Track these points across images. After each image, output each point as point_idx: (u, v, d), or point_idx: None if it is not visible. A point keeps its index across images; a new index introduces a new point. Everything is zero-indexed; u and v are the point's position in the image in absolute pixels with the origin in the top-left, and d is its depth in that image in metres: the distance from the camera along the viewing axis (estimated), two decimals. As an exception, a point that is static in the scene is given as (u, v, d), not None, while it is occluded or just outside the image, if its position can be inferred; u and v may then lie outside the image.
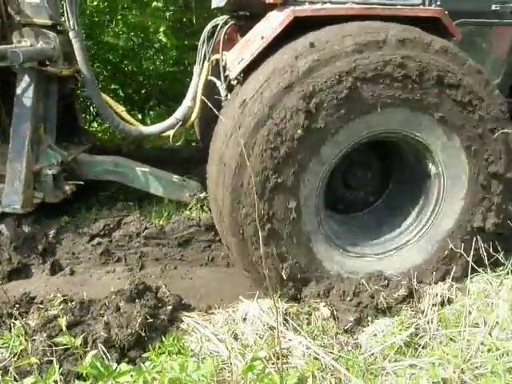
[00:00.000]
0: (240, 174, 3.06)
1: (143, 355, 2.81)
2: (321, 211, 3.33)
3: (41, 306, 3.24)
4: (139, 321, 2.88)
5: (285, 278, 3.18)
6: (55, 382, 2.37)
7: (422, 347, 2.93)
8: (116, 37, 7.03)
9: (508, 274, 3.27)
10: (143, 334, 2.88)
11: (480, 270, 3.35)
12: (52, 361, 2.66)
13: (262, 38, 3.24)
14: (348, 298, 3.11)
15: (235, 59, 3.56)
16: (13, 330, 3.02)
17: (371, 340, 2.94)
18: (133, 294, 3.08)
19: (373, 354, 2.85)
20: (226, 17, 4.44)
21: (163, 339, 2.92)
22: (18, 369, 2.70)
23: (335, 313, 3.09)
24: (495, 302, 3.09)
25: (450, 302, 3.29)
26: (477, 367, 2.68)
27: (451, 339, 3.00)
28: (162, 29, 6.67)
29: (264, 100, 3.01)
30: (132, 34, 7.29)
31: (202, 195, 4.61)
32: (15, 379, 2.62)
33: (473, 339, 2.86)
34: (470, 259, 2.99)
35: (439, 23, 3.42)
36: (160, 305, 3.13)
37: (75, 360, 2.72)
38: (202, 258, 4.25)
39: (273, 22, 3.30)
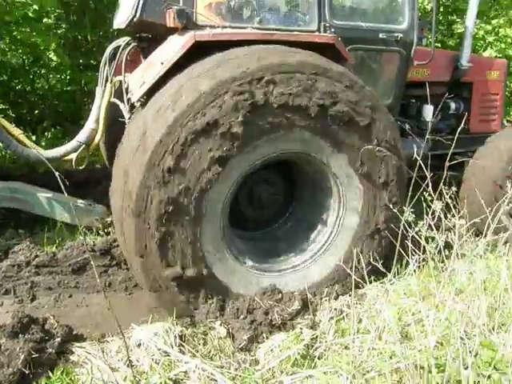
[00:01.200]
0: (143, 194, 3.00)
1: (29, 393, 2.62)
2: (225, 230, 3.35)
3: None
4: (22, 358, 2.68)
5: (184, 298, 3.14)
6: None
7: (318, 358, 3.01)
8: (3, 54, 6.61)
9: (393, 278, 3.44)
10: (27, 372, 2.67)
11: (372, 278, 3.52)
12: None
13: (162, 63, 3.26)
14: (242, 316, 3.11)
15: (137, 82, 3.53)
16: None
17: (268, 355, 2.96)
18: (15, 328, 2.86)
19: (270, 368, 2.87)
20: (127, 38, 4.39)
21: (50, 374, 2.75)
22: None
23: (231, 331, 3.07)
24: (383, 307, 3.25)
25: (345, 312, 3.41)
26: (367, 371, 2.79)
27: (346, 347, 3.10)
28: (52, 47, 6.37)
29: (165, 123, 2.98)
30: (20, 51, 6.89)
31: (109, 219, 4.45)
32: None
33: (364, 345, 2.98)
34: (364, 271, 3.14)
35: (333, 49, 3.65)
36: (47, 337, 2.93)
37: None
38: (98, 284, 4.06)
39: (174, 46, 3.32)
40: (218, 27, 3.56)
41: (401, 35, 4.32)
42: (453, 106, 5.33)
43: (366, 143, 3.49)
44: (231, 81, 3.03)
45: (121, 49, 4.24)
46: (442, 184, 3.11)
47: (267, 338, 3.08)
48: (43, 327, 2.99)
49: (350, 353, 2.96)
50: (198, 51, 3.24)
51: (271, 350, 2.99)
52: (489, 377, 2.53)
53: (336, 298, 3.49)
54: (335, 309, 3.30)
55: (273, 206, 4.03)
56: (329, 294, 3.50)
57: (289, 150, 3.39)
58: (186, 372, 2.74)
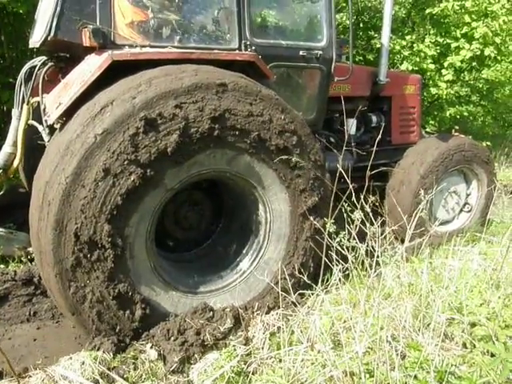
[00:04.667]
0: (61, 215, 2.89)
1: None
2: (151, 252, 3.28)
3: None
4: None
5: (108, 323, 3.04)
6: None
7: (253, 373, 3.00)
8: None
9: (320, 289, 3.50)
10: None
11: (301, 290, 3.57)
12: None
13: (80, 82, 3.19)
14: (172, 338, 3.05)
15: (54, 103, 3.41)
16: None
17: (202, 376, 2.91)
18: None
19: (204, 389, 2.83)
20: (44, 58, 4.22)
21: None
22: None
23: (162, 353, 3.00)
24: (315, 317, 3.30)
25: (277, 325, 3.42)
26: (302, 382, 2.81)
27: (280, 361, 3.11)
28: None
29: (84, 146, 2.90)
30: None
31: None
32: None
33: (297, 357, 3.01)
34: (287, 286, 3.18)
35: (254, 66, 3.69)
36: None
37: None
38: (22, 313, 3.85)
39: (91, 66, 3.24)
40: (137, 46, 3.52)
41: (320, 52, 4.47)
42: (374, 119, 5.61)
43: (288, 158, 3.53)
44: (211, 87, 3.14)
45: (37, 69, 4.08)
46: (363, 193, 3.23)
47: (200, 358, 3.03)
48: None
49: (283, 365, 2.99)
50: (117, 70, 3.18)
51: (204, 371, 2.94)
52: (415, 377, 2.63)
53: (268, 312, 3.49)
54: (267, 323, 3.31)
55: (200, 225, 4.02)
56: (260, 308, 3.50)
57: (217, 169, 3.39)
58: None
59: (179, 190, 3.33)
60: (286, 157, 3.49)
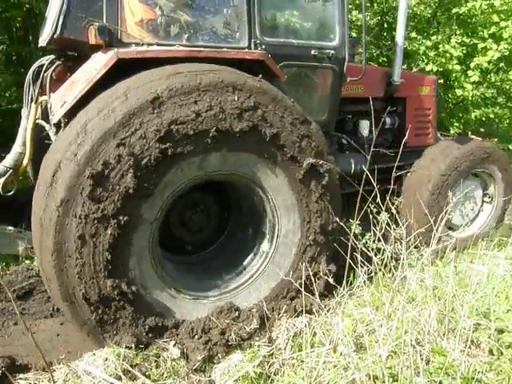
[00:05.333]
0: (64, 219, 2.87)
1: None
2: (156, 256, 3.23)
3: None
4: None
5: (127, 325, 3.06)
6: None
7: (274, 374, 2.98)
8: None
9: (344, 291, 3.47)
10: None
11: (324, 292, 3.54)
12: None
13: (86, 80, 3.17)
14: (196, 336, 3.04)
15: (59, 102, 3.41)
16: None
17: (224, 376, 2.91)
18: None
19: (226, 389, 2.82)
20: (52, 56, 4.22)
21: (-8, 410, 2.59)
22: None
23: (185, 351, 3.00)
24: (337, 319, 3.27)
25: (301, 327, 3.39)
26: (324, 385, 2.79)
27: (302, 362, 3.09)
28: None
29: (85, 146, 2.87)
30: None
31: None
32: None
33: (319, 359, 2.98)
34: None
35: (264, 65, 3.63)
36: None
37: None
38: (45, 309, 3.90)
39: (96, 64, 3.23)
40: (144, 45, 3.50)
41: (332, 52, 4.38)
42: (388, 121, 5.46)
43: (262, 133, 3.31)
44: (144, 107, 2.94)
45: (44, 67, 4.08)
46: (389, 196, 3.18)
47: (223, 358, 3.03)
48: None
49: (305, 367, 2.96)
50: (125, 69, 3.14)
51: (227, 371, 2.94)
52: (440, 382, 2.58)
53: (292, 314, 3.46)
54: (292, 324, 3.28)
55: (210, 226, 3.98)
56: (286, 310, 3.46)
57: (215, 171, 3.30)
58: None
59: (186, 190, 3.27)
60: (257, 134, 3.28)
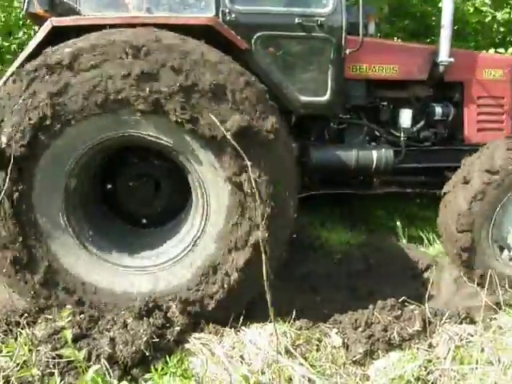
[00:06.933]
0: None
1: (146, 375, 2.77)
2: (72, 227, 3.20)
3: (49, 316, 3.16)
4: (145, 339, 2.83)
5: None
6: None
7: (432, 383, 2.85)
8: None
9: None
10: (147, 353, 2.83)
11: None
12: (54, 373, 2.64)
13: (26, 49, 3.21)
14: (360, 329, 3.03)
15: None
16: (19, 339, 2.98)
17: (380, 373, 2.86)
18: (142, 311, 3.03)
19: (379, 386, 2.78)
20: None
21: (167, 360, 2.88)
22: (19, 379, 2.66)
23: (346, 342, 3.02)
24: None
25: (466, 339, 3.18)
26: (490, 408, 2.60)
27: (463, 376, 2.91)
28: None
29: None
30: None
31: None
32: (16, 389, 2.59)
33: (486, 378, 2.78)
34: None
35: (214, 31, 3.25)
36: (168, 325, 3.06)
37: (77, 374, 2.67)
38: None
39: (37, 33, 3.24)
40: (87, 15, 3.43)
41: (322, 19, 3.79)
42: (439, 110, 4.51)
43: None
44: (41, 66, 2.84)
45: None
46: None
47: (383, 355, 2.98)
48: (165, 314, 3.11)
49: (468, 383, 2.78)
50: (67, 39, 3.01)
51: (384, 368, 2.88)
52: None
53: (458, 323, 3.26)
54: (456, 333, 3.10)
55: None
56: (450, 317, 3.28)
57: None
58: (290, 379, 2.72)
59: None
60: None
